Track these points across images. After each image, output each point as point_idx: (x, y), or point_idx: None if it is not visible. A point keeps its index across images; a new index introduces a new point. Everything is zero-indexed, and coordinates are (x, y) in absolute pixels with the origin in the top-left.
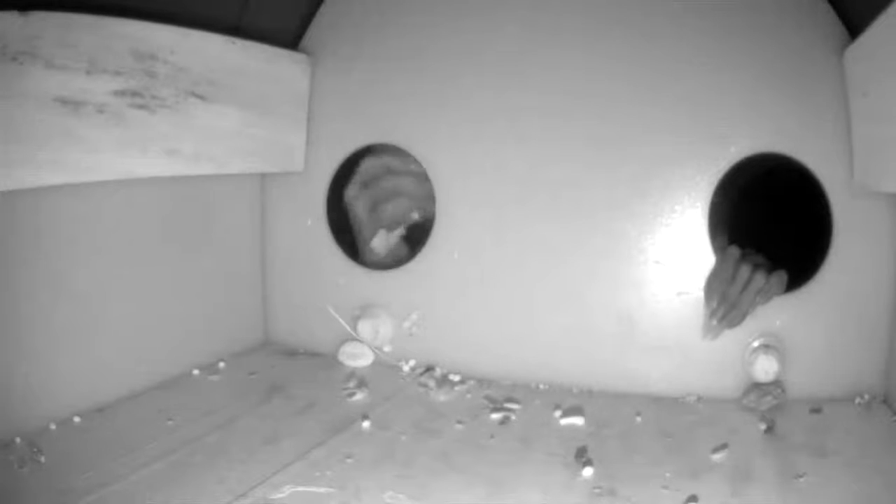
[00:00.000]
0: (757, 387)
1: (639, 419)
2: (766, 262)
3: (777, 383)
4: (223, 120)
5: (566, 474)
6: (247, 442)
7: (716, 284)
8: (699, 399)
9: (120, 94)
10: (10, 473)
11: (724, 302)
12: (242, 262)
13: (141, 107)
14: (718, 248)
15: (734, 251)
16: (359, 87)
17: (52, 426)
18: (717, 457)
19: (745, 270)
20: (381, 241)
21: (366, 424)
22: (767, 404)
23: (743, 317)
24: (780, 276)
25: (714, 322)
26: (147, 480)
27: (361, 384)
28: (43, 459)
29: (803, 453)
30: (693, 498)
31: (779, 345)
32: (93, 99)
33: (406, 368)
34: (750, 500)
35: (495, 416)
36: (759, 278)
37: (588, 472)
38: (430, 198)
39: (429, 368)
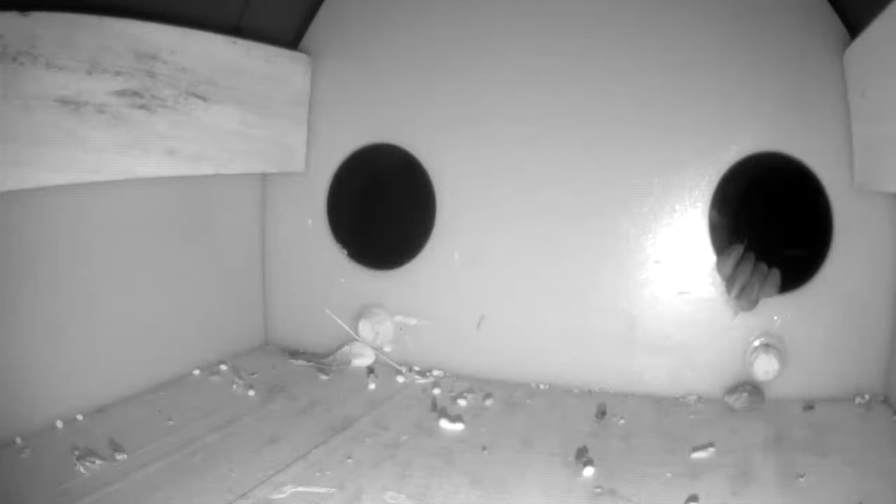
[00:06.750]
0: (737, 386)
1: (639, 419)
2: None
3: (751, 382)
4: (223, 120)
5: (566, 474)
6: (247, 442)
7: (728, 260)
8: (699, 399)
9: (120, 94)
10: (9, 473)
11: (741, 272)
12: (242, 263)
13: (141, 107)
14: (721, 248)
15: (738, 247)
16: (359, 86)
17: (59, 424)
18: (698, 455)
19: (751, 255)
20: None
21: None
22: (743, 400)
23: (755, 302)
24: (776, 274)
25: (733, 294)
26: (147, 480)
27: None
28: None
29: (803, 453)
30: (693, 498)
31: (779, 344)
32: (93, 99)
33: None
34: (750, 500)
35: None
36: (764, 266)
37: (589, 471)
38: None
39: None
